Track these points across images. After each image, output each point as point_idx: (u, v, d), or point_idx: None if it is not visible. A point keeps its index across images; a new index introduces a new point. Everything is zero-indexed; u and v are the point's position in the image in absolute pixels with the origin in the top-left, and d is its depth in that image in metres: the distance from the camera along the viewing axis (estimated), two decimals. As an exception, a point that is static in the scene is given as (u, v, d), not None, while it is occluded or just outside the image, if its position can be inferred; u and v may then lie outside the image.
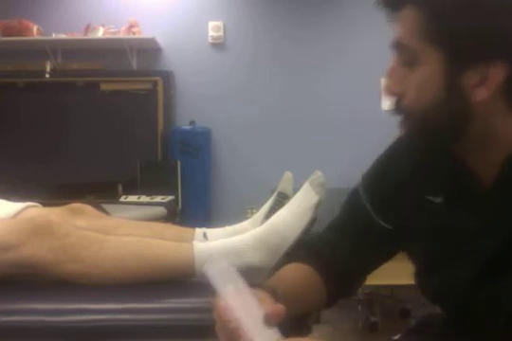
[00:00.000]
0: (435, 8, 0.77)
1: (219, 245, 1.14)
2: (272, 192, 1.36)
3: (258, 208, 1.37)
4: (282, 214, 1.17)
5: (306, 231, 1.15)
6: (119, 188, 3.80)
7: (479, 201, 0.83)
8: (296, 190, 1.22)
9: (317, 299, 0.93)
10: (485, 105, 0.77)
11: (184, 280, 1.13)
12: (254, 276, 1.14)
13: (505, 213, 0.79)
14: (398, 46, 0.80)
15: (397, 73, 0.81)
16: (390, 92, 0.82)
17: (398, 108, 0.82)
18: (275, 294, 0.76)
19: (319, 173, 1.18)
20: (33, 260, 1.08)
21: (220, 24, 4.11)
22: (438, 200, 0.87)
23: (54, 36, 3.95)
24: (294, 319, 0.83)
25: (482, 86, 0.76)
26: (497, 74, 0.75)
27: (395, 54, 0.81)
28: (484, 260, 0.80)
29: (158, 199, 3.54)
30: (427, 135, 0.82)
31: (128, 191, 3.71)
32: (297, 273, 0.92)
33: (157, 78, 4.00)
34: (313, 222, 1.17)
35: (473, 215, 0.82)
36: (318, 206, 1.17)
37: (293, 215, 1.15)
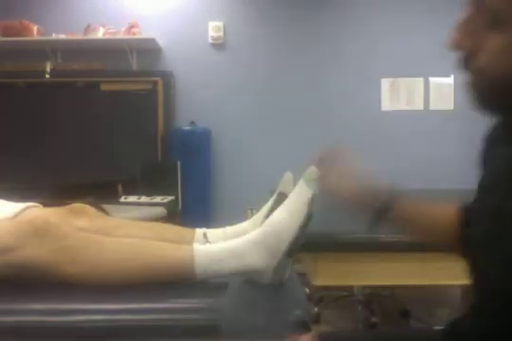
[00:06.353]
0: None
1: (219, 248, 1.14)
2: (272, 192, 1.36)
3: (258, 209, 1.37)
4: (278, 214, 1.16)
5: (303, 228, 1.14)
6: (119, 188, 3.80)
7: None
8: (296, 191, 1.21)
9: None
10: None
11: (184, 281, 1.13)
12: (257, 277, 1.15)
13: None
14: (483, 6, 0.71)
15: (471, 26, 0.73)
16: (457, 45, 0.75)
17: (467, 66, 0.75)
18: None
19: (312, 168, 1.16)
20: (33, 261, 1.08)
21: (220, 24, 4.12)
22: None
23: (54, 36, 3.95)
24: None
25: None
26: None
27: (473, 8, 0.73)
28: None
29: (158, 199, 3.54)
30: (498, 97, 0.74)
31: (128, 192, 3.71)
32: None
33: (157, 78, 4.00)
34: (309, 217, 1.15)
35: None
36: (312, 201, 1.15)
37: (289, 213, 1.14)
